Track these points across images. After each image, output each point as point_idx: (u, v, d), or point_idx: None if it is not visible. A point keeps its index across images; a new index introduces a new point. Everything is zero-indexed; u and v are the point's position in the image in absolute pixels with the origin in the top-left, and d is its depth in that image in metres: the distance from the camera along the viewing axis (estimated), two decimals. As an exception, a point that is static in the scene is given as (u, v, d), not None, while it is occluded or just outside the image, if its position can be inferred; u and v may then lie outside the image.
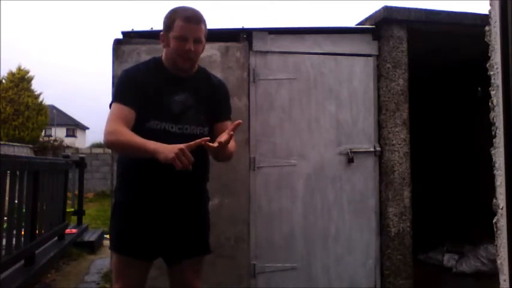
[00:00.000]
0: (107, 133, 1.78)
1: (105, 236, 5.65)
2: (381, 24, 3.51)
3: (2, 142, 14.72)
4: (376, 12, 3.53)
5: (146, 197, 1.90)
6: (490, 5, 1.42)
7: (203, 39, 1.93)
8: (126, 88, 1.87)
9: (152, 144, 1.70)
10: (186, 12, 1.89)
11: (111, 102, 1.88)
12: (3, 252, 3.16)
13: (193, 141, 1.82)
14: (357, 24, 3.75)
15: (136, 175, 1.89)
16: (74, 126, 39.05)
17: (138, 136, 1.74)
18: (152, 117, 1.85)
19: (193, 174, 1.80)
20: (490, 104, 1.43)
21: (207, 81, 2.04)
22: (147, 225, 1.89)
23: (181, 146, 1.64)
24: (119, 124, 1.78)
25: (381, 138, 3.51)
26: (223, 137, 1.72)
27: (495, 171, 1.39)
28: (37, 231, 3.95)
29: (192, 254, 1.98)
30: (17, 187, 3.48)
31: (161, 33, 1.96)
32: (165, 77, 1.93)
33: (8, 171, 3.32)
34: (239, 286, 3.13)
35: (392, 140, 3.48)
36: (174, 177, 1.83)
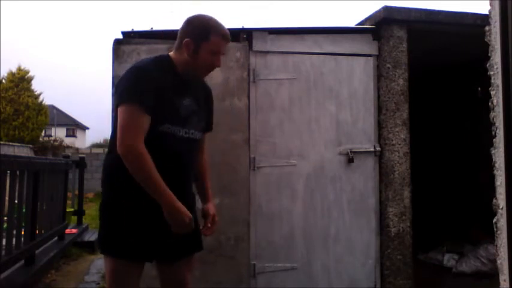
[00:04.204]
0: (133, 153, 1.70)
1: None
2: (380, 24, 3.51)
3: (2, 142, 14.72)
4: (376, 12, 3.53)
5: (145, 197, 1.86)
6: (490, 5, 1.42)
7: None
8: (145, 87, 1.77)
9: (173, 197, 1.74)
10: (223, 29, 1.88)
11: (126, 100, 1.76)
12: (3, 252, 3.16)
13: (195, 145, 1.96)
14: (357, 24, 3.75)
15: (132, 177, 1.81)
16: (74, 126, 39.03)
17: (158, 174, 1.71)
18: (166, 120, 1.81)
19: (188, 175, 1.93)
20: (490, 104, 1.43)
21: (203, 88, 2.06)
22: (147, 226, 1.85)
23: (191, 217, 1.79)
24: (143, 146, 1.71)
25: (381, 138, 3.51)
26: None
27: (495, 171, 1.39)
28: (37, 231, 3.95)
29: (188, 252, 1.99)
30: (17, 187, 3.48)
31: (187, 39, 1.86)
32: (176, 79, 1.89)
33: (8, 171, 3.32)
34: (239, 286, 3.13)
35: (392, 140, 3.48)
36: (171, 177, 1.84)
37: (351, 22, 10.62)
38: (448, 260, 4.46)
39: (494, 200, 1.40)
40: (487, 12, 1.44)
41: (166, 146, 1.81)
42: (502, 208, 1.34)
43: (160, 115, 1.80)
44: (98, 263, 4.65)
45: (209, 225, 1.99)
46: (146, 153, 1.71)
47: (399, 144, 3.48)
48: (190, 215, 1.76)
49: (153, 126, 1.78)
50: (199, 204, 2.07)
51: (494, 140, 1.40)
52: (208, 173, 2.12)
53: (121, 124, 1.73)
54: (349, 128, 3.47)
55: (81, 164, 6.16)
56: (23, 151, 15.07)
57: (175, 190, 1.82)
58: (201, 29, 1.85)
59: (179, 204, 1.74)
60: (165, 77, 1.84)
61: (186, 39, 1.86)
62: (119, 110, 1.76)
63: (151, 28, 3.21)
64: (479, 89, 4.67)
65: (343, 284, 3.37)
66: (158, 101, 1.79)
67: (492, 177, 1.41)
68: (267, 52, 3.35)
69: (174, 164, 1.86)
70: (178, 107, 1.86)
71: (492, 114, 1.41)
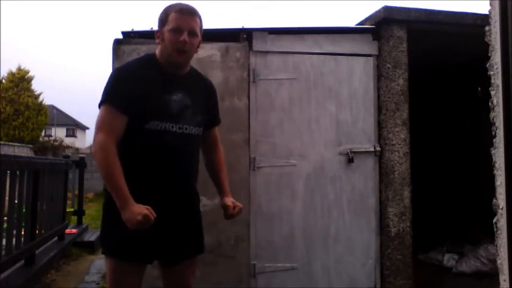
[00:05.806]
0: (100, 148, 1.73)
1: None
2: (380, 24, 3.51)
3: (2, 142, 14.72)
4: (376, 12, 3.53)
5: (144, 199, 1.85)
6: (490, 5, 1.42)
7: (198, 33, 1.90)
8: (122, 89, 1.81)
9: (127, 199, 1.69)
10: (180, 5, 1.89)
11: (103, 101, 1.80)
12: (3, 252, 3.16)
13: (192, 141, 1.92)
14: (357, 24, 3.75)
15: (133, 177, 1.80)
16: (74, 126, 39.02)
17: (122, 175, 1.72)
18: (152, 117, 1.81)
19: (187, 171, 1.91)
20: (490, 104, 1.43)
21: (199, 81, 2.04)
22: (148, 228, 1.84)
23: (147, 213, 1.67)
24: (112, 143, 1.74)
25: (380, 138, 3.51)
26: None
27: (495, 171, 1.39)
28: (37, 231, 3.94)
29: (192, 254, 1.98)
30: (17, 187, 3.48)
31: (156, 30, 1.93)
32: (160, 75, 1.89)
33: (8, 171, 3.32)
34: (239, 286, 3.13)
35: (392, 140, 3.48)
36: (171, 178, 1.84)
37: (351, 22, 10.64)
38: (448, 260, 4.46)
39: (494, 200, 1.40)
40: (487, 12, 1.44)
41: (157, 144, 1.81)
42: (502, 208, 1.34)
43: (145, 113, 1.81)
44: (98, 263, 4.65)
45: (230, 212, 1.99)
46: (113, 153, 1.73)
47: (399, 144, 3.48)
48: (143, 211, 1.67)
49: (138, 124, 1.80)
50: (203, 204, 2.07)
51: (494, 140, 1.40)
52: (224, 168, 2.10)
53: (95, 124, 1.79)
54: (349, 128, 3.47)
55: (81, 164, 6.16)
56: (23, 151, 15.07)
57: (167, 186, 1.85)
58: (161, 16, 1.91)
59: (132, 203, 1.70)
60: (149, 75, 1.86)
61: (156, 31, 1.93)
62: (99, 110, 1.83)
63: (151, 28, 3.21)
64: (479, 89, 4.67)
65: (343, 284, 3.37)
66: (141, 99, 1.80)
67: (492, 177, 1.41)
68: (267, 52, 3.35)
69: (167, 161, 1.84)
70: (167, 103, 1.85)
71: (492, 114, 1.41)
